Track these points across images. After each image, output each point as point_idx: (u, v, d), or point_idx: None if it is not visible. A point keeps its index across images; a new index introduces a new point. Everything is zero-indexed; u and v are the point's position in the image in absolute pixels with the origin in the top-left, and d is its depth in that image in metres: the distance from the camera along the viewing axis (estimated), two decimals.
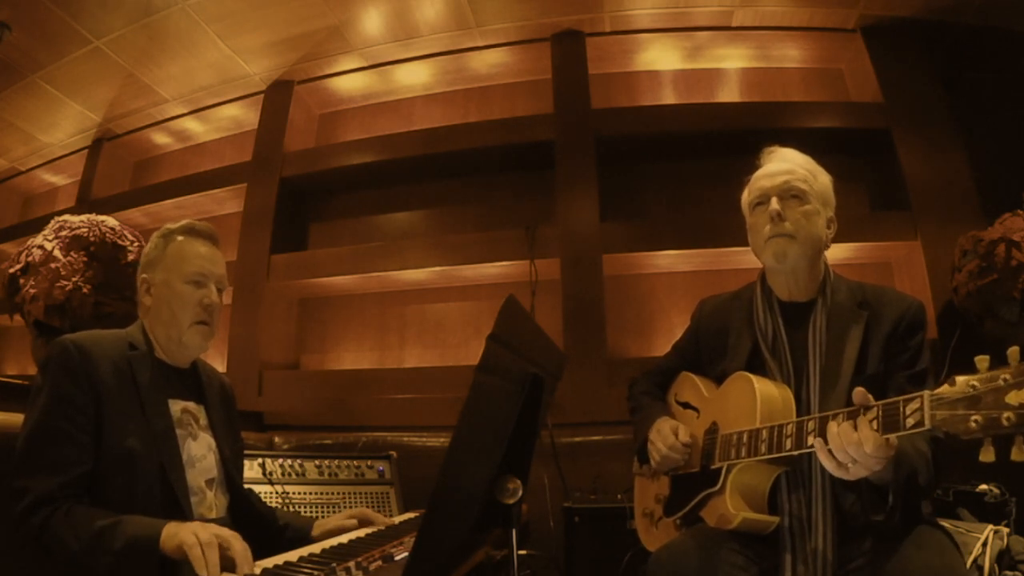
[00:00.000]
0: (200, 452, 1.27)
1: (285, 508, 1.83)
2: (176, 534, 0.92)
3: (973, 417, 0.83)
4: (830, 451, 0.99)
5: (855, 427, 0.96)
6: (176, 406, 1.26)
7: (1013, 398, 0.80)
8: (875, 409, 0.96)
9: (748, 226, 1.41)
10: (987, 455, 0.83)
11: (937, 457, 1.11)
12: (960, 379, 0.87)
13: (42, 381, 1.12)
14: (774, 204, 1.31)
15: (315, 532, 1.38)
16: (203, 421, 1.32)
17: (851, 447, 0.95)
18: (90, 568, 0.96)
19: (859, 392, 0.99)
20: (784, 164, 1.37)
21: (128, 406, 1.16)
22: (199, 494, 1.22)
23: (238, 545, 0.91)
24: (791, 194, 1.32)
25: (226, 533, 0.92)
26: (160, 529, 0.94)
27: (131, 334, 1.28)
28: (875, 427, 0.95)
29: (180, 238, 1.34)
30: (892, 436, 0.94)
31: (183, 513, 1.14)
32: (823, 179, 1.37)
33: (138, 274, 1.35)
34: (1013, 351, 0.82)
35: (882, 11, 2.88)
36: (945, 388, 0.88)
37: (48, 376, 1.12)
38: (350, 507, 1.97)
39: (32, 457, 1.06)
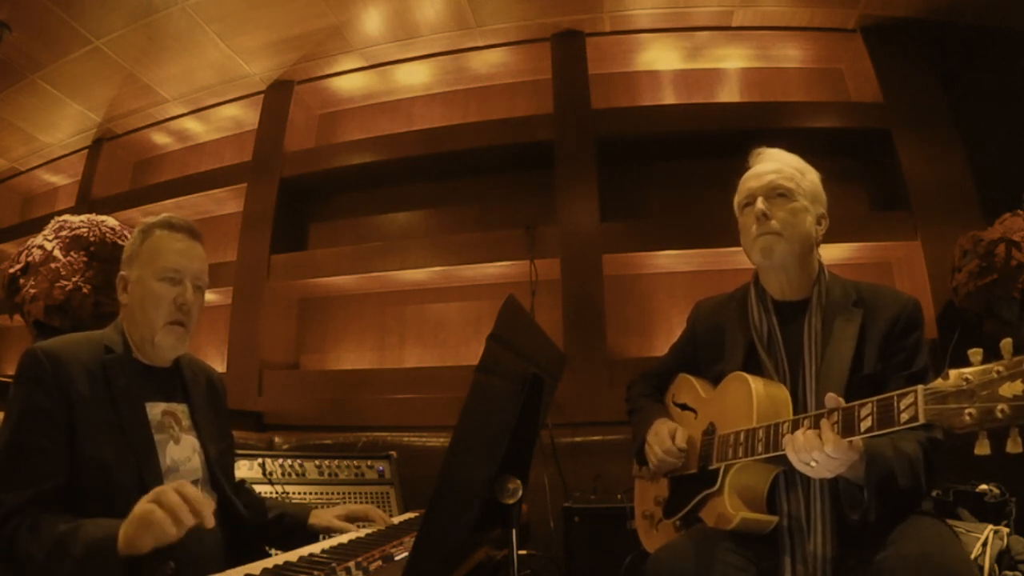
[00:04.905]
0: (183, 455, 1.23)
1: None
2: (129, 521, 0.89)
3: (967, 410, 0.84)
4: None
5: (817, 430, 1.01)
6: (156, 409, 1.22)
7: (1007, 390, 0.81)
8: (836, 412, 1.01)
9: (739, 227, 1.42)
10: (982, 448, 0.84)
11: (931, 461, 1.12)
12: (954, 372, 0.87)
13: (14, 393, 1.09)
14: (759, 204, 1.32)
15: (312, 521, 1.36)
16: (186, 422, 1.27)
17: (814, 450, 0.99)
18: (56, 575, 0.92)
19: (830, 397, 1.03)
20: (771, 164, 1.38)
21: (103, 414, 1.12)
22: None
23: (190, 491, 0.90)
24: (777, 193, 1.32)
25: (174, 486, 0.90)
26: (118, 529, 0.90)
27: (107, 336, 1.23)
28: (836, 430, 0.99)
29: (157, 232, 1.28)
30: (855, 439, 0.98)
31: None
32: (811, 176, 1.38)
33: (119, 271, 1.30)
34: (1006, 343, 0.83)
35: (882, 11, 2.88)
36: (939, 382, 0.89)
37: (20, 388, 1.09)
38: None
39: (4, 472, 1.03)
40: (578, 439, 2.44)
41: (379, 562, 0.98)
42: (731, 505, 1.19)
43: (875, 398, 0.97)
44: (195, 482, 1.23)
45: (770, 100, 3.10)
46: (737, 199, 1.42)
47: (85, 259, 2.19)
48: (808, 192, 1.34)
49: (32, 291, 2.16)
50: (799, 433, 1.03)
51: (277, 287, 3.19)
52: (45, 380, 1.09)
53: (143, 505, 0.89)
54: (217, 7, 2.96)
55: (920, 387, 0.90)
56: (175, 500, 0.87)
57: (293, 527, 1.36)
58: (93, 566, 0.90)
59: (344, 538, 1.22)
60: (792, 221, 1.30)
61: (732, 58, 3.21)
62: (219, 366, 3.13)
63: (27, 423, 1.06)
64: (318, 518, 1.37)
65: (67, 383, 1.10)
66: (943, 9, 2.83)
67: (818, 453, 0.99)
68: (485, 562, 1.10)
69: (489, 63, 3.32)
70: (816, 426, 1.03)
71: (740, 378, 1.27)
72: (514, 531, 0.92)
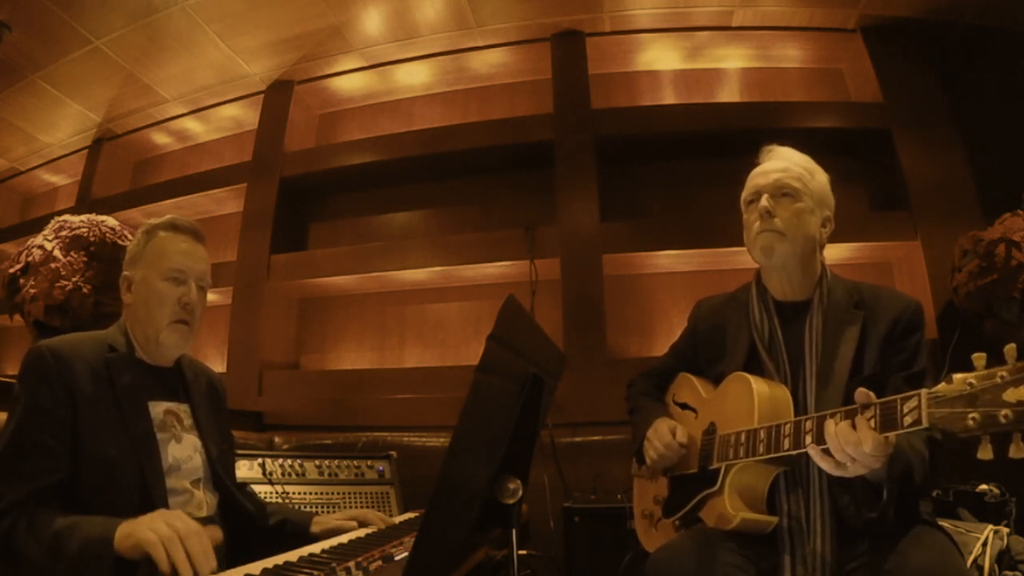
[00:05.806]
0: (185, 454, 1.24)
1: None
2: (132, 532, 0.88)
3: (971, 415, 0.83)
4: (825, 451, 1.00)
5: (854, 426, 0.96)
6: (158, 408, 1.23)
7: (1011, 395, 0.80)
8: (872, 408, 0.96)
9: (743, 223, 1.41)
10: (985, 453, 0.83)
11: (935, 457, 1.11)
12: (957, 377, 0.86)
13: (19, 390, 1.10)
14: (764, 201, 1.30)
15: (314, 529, 1.36)
16: (187, 421, 1.29)
17: (850, 447, 0.96)
18: (52, 573, 0.93)
19: (861, 392, 0.98)
20: (780, 162, 1.37)
21: (106, 412, 1.13)
22: (185, 494, 1.20)
23: (195, 545, 0.86)
24: (783, 192, 1.31)
25: (184, 531, 0.87)
26: (114, 529, 0.90)
27: (111, 335, 1.25)
28: (873, 426, 0.95)
29: (162, 234, 1.30)
30: (891, 435, 0.94)
31: None
32: (820, 178, 1.36)
33: (122, 271, 1.31)
34: (1010, 348, 0.82)
35: (882, 11, 2.88)
36: (943, 386, 0.87)
37: (24, 385, 1.10)
38: (350, 507, 1.97)
39: (6, 468, 1.04)
40: (578, 439, 2.44)
41: (379, 562, 0.98)
42: (731, 505, 1.19)
43: (878, 401, 0.96)
44: (196, 481, 1.24)
45: (770, 100, 3.10)
46: (743, 195, 1.40)
47: (85, 259, 2.19)
48: (815, 193, 1.33)
49: (32, 291, 2.16)
50: (839, 427, 0.98)
51: (277, 287, 3.19)
52: (49, 378, 1.10)
53: (148, 534, 0.86)
54: (217, 7, 2.96)
55: (924, 391, 0.89)
56: (180, 557, 0.84)
57: (295, 534, 1.35)
58: (89, 563, 0.90)
59: (344, 538, 1.22)
60: (796, 222, 1.29)
61: (732, 58, 3.21)
62: (219, 366, 3.13)
63: (31, 420, 1.07)
64: (320, 525, 1.37)
65: (71, 381, 1.11)
66: (943, 9, 2.83)
67: (853, 448, 0.95)
68: (485, 562, 1.10)
69: (489, 63, 3.32)
70: (819, 427, 1.02)
71: (741, 378, 1.27)
72: (514, 531, 0.91)
